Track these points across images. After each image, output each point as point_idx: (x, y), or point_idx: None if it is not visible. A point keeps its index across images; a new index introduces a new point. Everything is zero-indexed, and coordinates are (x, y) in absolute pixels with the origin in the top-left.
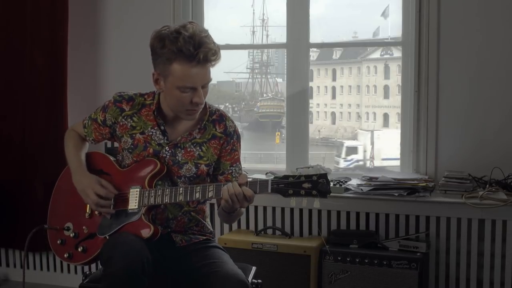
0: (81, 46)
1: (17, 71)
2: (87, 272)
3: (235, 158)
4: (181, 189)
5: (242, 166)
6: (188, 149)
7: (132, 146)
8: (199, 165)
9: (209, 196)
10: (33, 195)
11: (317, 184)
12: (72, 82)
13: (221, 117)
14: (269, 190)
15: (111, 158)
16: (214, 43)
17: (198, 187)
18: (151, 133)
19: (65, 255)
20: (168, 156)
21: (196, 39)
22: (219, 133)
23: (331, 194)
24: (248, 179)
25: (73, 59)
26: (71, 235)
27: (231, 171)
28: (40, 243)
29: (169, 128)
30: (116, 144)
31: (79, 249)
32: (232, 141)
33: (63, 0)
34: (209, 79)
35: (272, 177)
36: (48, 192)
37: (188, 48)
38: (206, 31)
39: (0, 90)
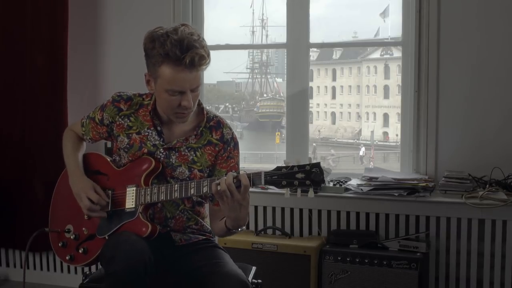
0: (81, 46)
1: (17, 72)
2: (87, 272)
3: (231, 165)
4: (176, 185)
5: (242, 167)
6: (183, 153)
7: (128, 146)
8: (192, 169)
9: (204, 191)
10: (33, 195)
11: (310, 173)
12: (72, 82)
13: (218, 124)
14: (263, 183)
15: (108, 159)
16: (204, 47)
17: (193, 183)
18: (147, 133)
19: (67, 257)
20: (162, 158)
21: (184, 43)
22: (215, 139)
23: (331, 194)
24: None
25: (73, 59)
26: (71, 237)
27: None
28: (41, 243)
29: (166, 130)
30: None
31: (80, 251)
32: (228, 148)
33: (63, 0)
34: (198, 83)
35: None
36: (48, 192)
37: (175, 52)
38: (198, 34)
39: (0, 90)
